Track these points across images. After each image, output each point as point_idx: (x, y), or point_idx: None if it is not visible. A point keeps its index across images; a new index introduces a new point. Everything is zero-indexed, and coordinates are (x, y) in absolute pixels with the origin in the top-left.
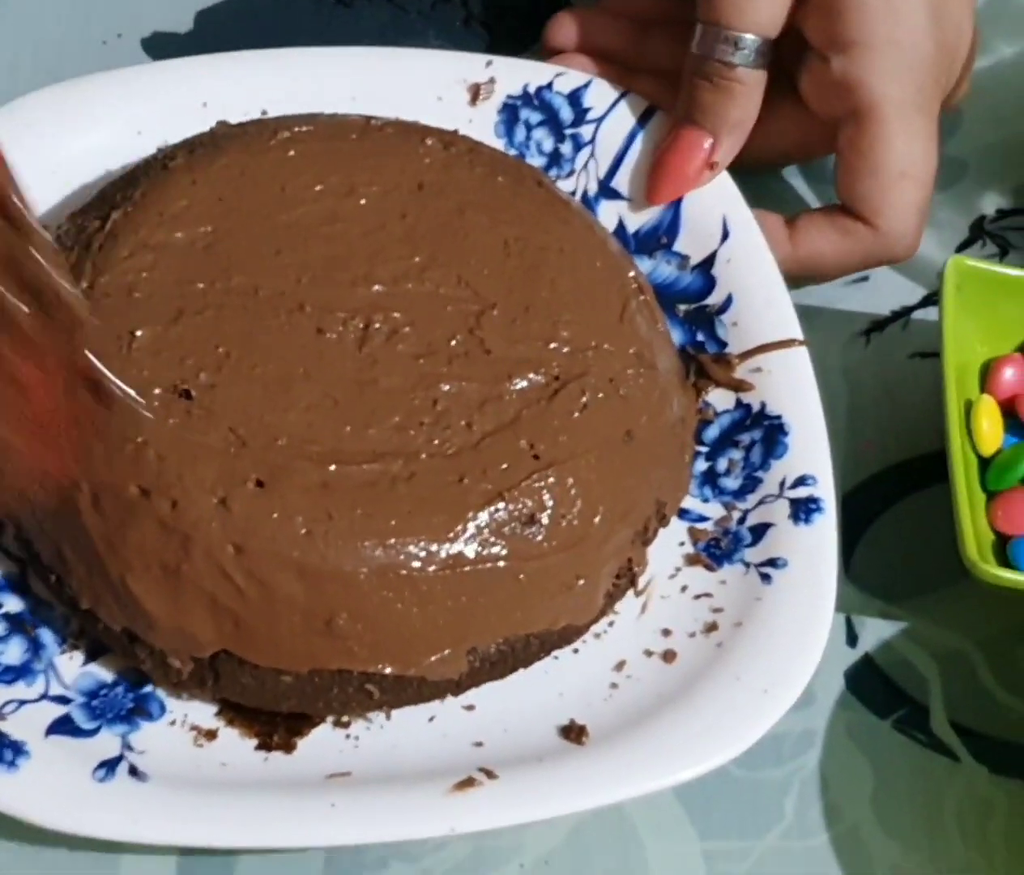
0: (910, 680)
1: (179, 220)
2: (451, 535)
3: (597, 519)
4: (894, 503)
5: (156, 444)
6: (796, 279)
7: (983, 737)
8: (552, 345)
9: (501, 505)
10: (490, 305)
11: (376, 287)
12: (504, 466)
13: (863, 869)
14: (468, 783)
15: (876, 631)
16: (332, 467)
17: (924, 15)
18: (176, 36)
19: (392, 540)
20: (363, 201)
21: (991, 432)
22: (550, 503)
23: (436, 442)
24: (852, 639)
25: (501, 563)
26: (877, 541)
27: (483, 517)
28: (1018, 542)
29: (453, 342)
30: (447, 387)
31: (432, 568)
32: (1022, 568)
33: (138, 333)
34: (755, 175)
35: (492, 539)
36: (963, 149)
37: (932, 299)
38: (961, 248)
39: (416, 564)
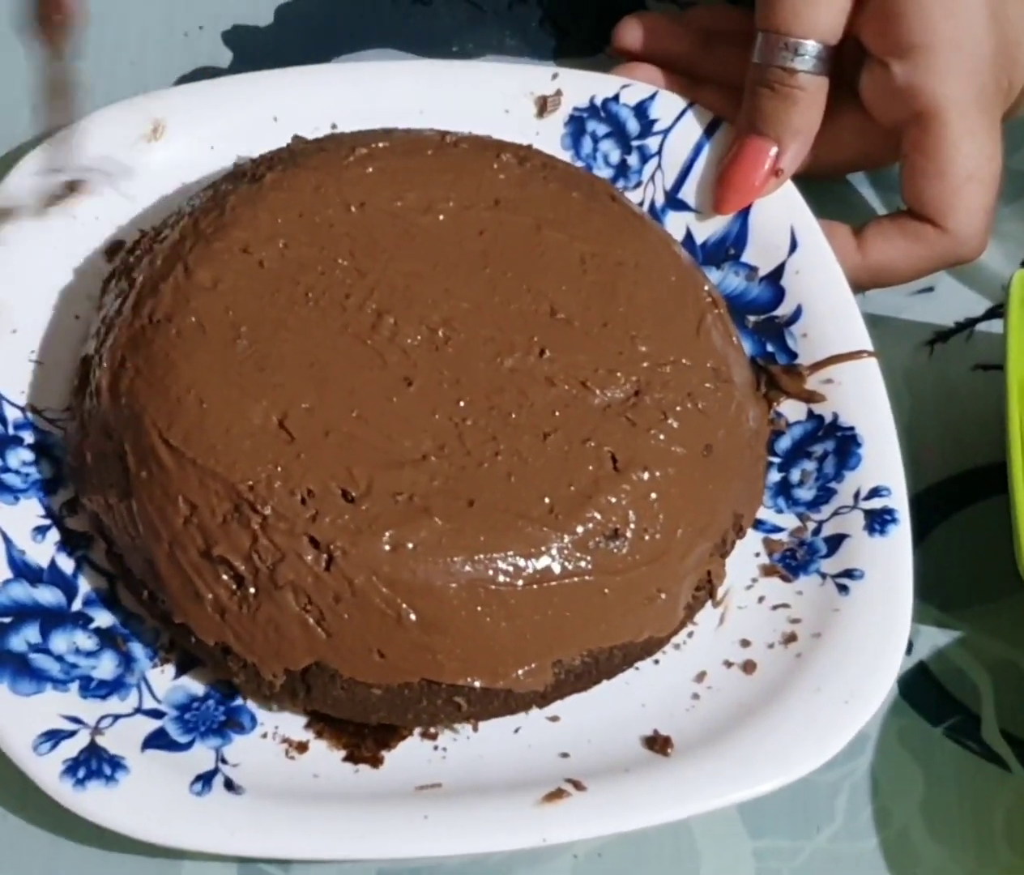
0: (963, 689)
1: (265, 235)
2: (539, 550)
3: (679, 533)
4: (953, 513)
5: (251, 462)
6: (864, 286)
7: None
8: (631, 360)
9: (586, 519)
10: (568, 321)
11: (455, 303)
12: (587, 481)
13: (910, 873)
14: (558, 794)
15: (931, 639)
16: (419, 481)
17: (983, 17)
18: (256, 29)
19: (481, 555)
20: (441, 217)
21: None
22: (633, 518)
23: (519, 456)
24: (908, 646)
25: (587, 577)
26: (935, 550)
27: (569, 532)
28: None
29: (532, 357)
30: (529, 402)
31: (520, 583)
32: None
33: (238, 347)
34: (820, 185)
35: (578, 554)
36: None
37: (996, 312)
38: None
39: (504, 579)
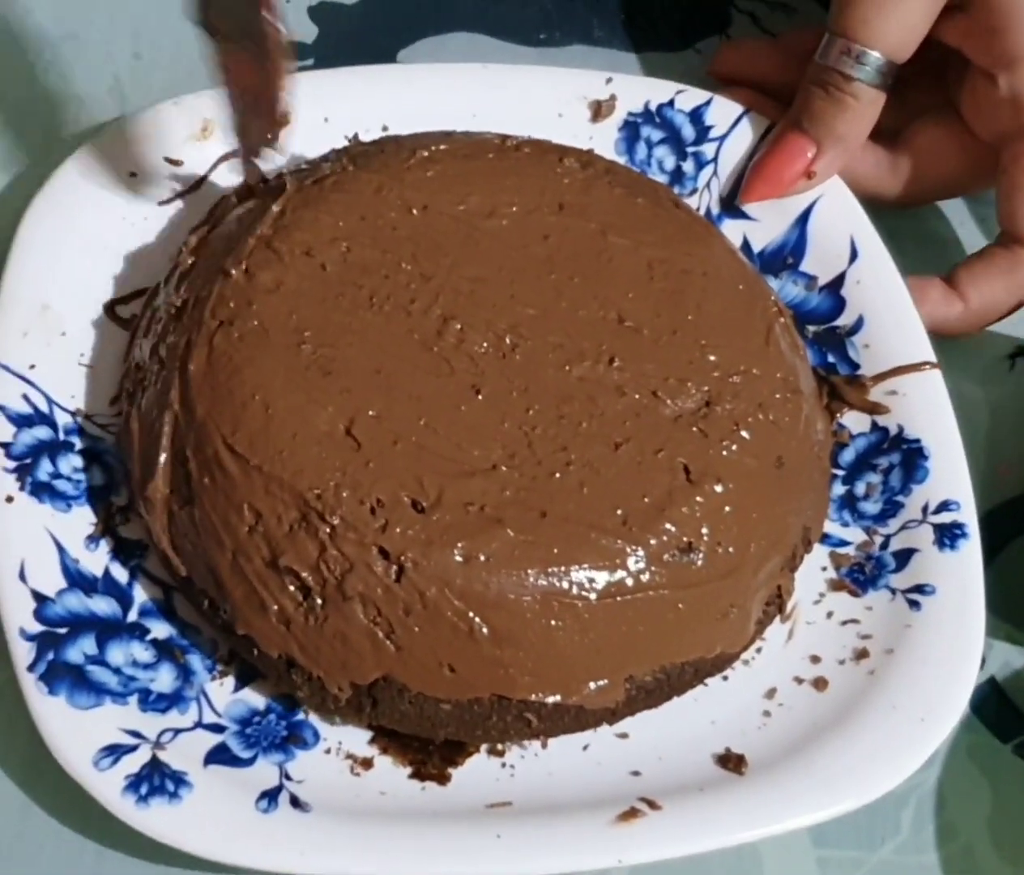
0: None
1: (327, 238)
2: (613, 563)
3: (752, 547)
4: None
5: (318, 470)
6: (972, 332)
7: None
8: (701, 369)
9: (660, 532)
10: (637, 328)
11: (522, 309)
12: (661, 492)
13: None
14: (632, 814)
15: (1003, 655)
16: (490, 491)
17: None
18: (341, 7)
19: (555, 568)
20: (504, 221)
21: None
22: (707, 531)
23: (590, 466)
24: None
25: (661, 591)
26: (1009, 566)
27: (643, 544)
28: None
29: (602, 365)
30: (599, 411)
31: (594, 596)
32: None
33: (302, 351)
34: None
35: (652, 567)
36: None
37: None
38: None
39: (579, 591)
